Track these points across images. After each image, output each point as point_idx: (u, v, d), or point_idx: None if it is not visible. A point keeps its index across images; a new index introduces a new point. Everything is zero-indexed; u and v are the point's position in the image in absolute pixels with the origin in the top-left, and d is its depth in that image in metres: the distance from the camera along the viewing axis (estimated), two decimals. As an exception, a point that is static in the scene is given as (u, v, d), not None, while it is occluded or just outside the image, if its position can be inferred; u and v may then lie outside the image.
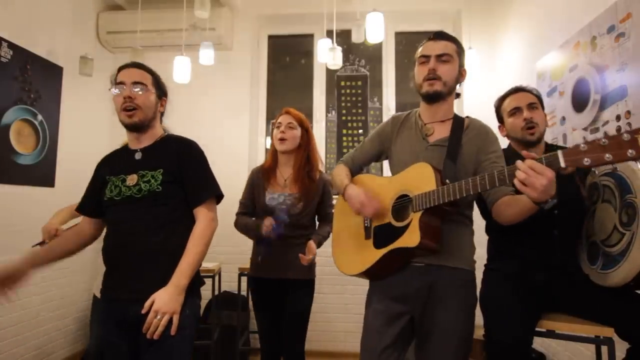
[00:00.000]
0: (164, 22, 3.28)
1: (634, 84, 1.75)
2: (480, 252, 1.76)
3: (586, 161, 0.95)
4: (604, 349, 1.45)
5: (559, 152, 0.99)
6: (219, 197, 1.48)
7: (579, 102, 2.17)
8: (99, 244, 1.50)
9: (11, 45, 2.55)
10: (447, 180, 1.26)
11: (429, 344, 1.34)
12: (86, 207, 1.52)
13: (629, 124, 1.78)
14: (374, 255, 1.39)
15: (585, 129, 2.10)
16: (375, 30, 2.60)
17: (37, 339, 2.75)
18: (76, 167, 2.90)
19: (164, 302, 1.26)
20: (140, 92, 1.41)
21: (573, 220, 1.56)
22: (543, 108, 1.68)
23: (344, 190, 1.49)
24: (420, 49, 1.45)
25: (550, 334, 1.51)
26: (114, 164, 1.49)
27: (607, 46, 1.93)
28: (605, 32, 1.95)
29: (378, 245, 1.39)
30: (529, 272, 1.56)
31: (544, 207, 1.08)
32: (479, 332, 3.01)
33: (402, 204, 1.36)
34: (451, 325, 1.31)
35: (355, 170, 1.61)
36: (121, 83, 1.41)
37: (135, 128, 1.44)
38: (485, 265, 1.73)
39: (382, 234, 1.40)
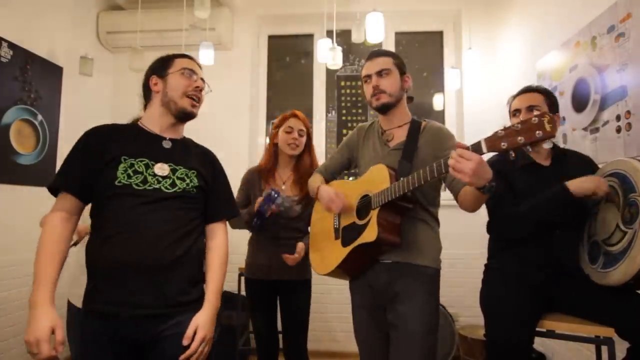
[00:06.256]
0: (164, 22, 3.28)
1: (634, 84, 1.75)
2: (480, 252, 1.77)
3: (503, 145, 1.05)
4: (604, 349, 1.45)
5: (482, 139, 1.10)
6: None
7: (579, 102, 2.17)
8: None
9: (11, 45, 2.55)
10: (402, 178, 1.34)
11: (395, 336, 1.41)
12: (76, 185, 1.20)
13: (629, 124, 1.78)
14: (342, 253, 1.49)
15: (585, 129, 2.10)
16: (375, 30, 2.60)
17: (37, 339, 2.75)
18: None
19: (208, 328, 1.19)
20: (202, 85, 1.43)
21: (574, 220, 1.56)
22: (552, 106, 1.64)
23: (317, 191, 1.63)
24: (362, 70, 1.57)
25: (550, 334, 1.52)
26: (126, 142, 1.24)
27: (607, 46, 1.93)
28: (605, 32, 1.95)
29: (345, 243, 1.50)
30: (529, 271, 1.56)
31: (484, 191, 1.16)
32: (479, 332, 3.01)
33: (364, 203, 1.47)
34: (415, 318, 1.38)
35: (329, 178, 1.75)
36: (193, 71, 1.39)
37: (189, 118, 1.36)
38: (485, 265, 1.73)
39: (348, 233, 1.51)
